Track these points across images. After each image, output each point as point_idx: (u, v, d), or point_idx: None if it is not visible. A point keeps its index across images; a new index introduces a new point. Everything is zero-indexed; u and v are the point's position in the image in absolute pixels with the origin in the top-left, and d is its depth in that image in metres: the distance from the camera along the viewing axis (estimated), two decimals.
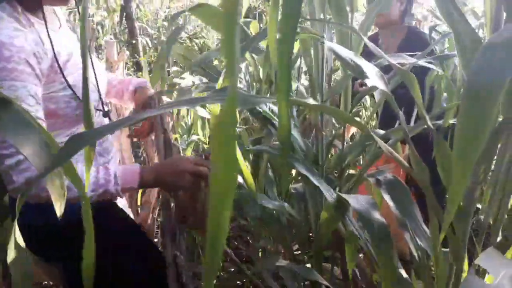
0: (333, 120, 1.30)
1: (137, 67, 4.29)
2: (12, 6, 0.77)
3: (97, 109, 0.92)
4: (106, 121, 0.95)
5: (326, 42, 0.62)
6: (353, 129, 1.81)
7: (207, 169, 0.82)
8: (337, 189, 0.96)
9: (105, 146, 0.95)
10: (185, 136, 1.97)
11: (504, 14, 0.55)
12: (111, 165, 0.83)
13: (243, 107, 0.44)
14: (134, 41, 4.26)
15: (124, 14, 4.43)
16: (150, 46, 4.65)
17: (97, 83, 0.92)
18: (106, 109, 0.94)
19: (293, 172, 1.33)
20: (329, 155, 1.11)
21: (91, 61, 0.91)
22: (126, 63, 2.58)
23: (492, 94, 0.42)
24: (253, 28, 1.27)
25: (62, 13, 0.96)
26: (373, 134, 0.63)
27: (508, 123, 0.57)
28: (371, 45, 0.60)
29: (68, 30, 0.94)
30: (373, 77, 0.59)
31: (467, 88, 0.43)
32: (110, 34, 4.94)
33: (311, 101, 0.64)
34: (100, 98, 0.93)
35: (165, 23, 5.08)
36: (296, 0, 0.38)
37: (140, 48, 4.42)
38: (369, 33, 1.96)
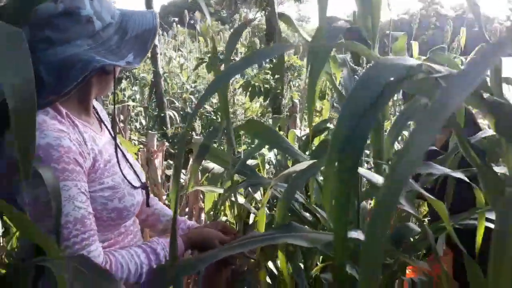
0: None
1: (165, 138, 4.53)
2: (55, 109, 0.80)
3: (136, 187, 0.90)
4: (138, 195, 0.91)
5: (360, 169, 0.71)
6: None
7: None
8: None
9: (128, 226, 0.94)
10: (211, 213, 2.04)
11: None
12: (159, 248, 0.85)
13: (313, 245, 0.52)
14: (162, 114, 4.55)
15: (154, 89, 4.78)
16: (177, 118, 4.94)
17: (127, 161, 0.93)
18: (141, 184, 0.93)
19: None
20: None
21: (116, 143, 0.91)
22: (165, 152, 2.75)
23: None
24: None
25: (107, 120, 0.99)
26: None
27: None
28: None
29: (109, 136, 0.95)
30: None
31: None
32: (140, 106, 5.28)
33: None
34: (137, 175, 0.93)
35: (192, 97, 5.41)
36: (354, 152, 0.48)
37: (168, 120, 4.70)
38: None
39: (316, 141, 1.47)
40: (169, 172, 2.19)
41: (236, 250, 0.53)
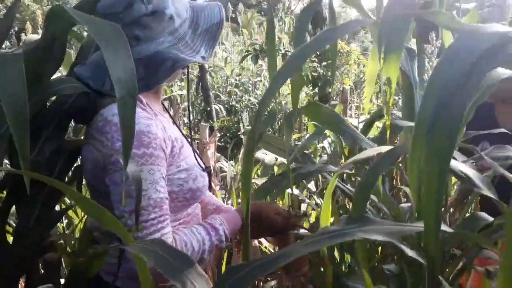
0: None
1: (210, 131, 4.59)
2: (137, 99, 0.85)
3: (204, 169, 0.94)
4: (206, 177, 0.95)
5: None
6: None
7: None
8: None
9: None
10: None
11: None
12: (217, 223, 0.87)
13: (394, 239, 0.47)
14: (208, 108, 4.62)
15: (200, 84, 4.86)
16: (223, 111, 5.01)
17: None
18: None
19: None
20: None
21: (190, 128, 1.00)
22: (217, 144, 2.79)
23: None
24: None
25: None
26: None
27: None
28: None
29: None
30: (480, 184, 0.62)
31: None
32: (187, 102, 5.39)
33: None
34: (200, 159, 0.97)
35: (236, 90, 5.44)
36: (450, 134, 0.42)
37: (214, 114, 4.76)
38: None
39: (374, 129, 1.39)
40: (218, 164, 2.21)
41: (312, 247, 0.50)
